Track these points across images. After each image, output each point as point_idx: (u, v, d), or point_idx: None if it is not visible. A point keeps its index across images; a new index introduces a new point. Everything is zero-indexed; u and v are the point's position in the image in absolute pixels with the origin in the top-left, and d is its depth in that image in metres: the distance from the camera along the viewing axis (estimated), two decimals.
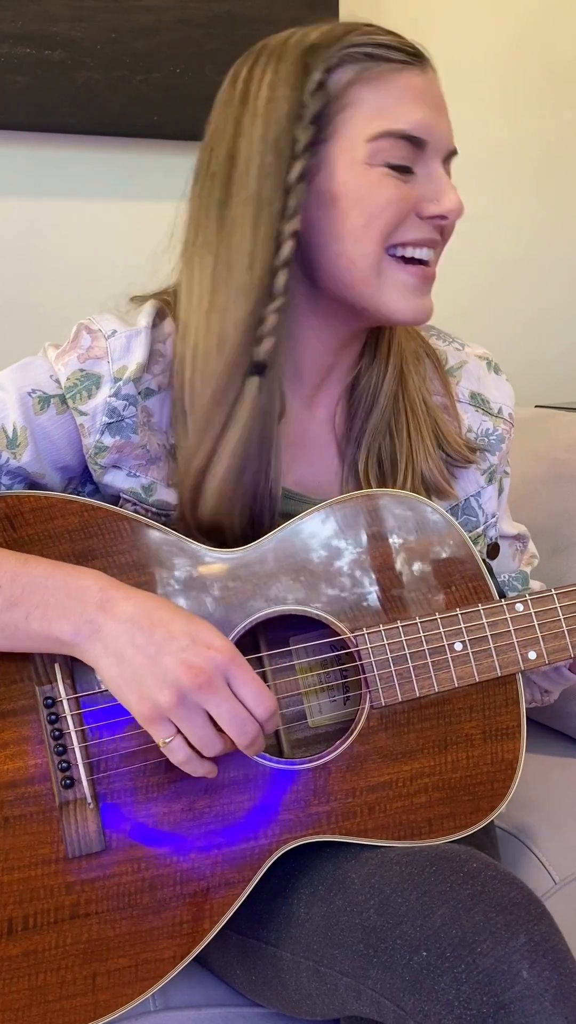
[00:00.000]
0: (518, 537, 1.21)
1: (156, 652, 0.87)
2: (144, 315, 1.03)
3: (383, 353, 1.08)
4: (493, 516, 1.14)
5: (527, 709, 1.03)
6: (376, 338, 1.09)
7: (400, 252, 0.98)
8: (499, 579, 1.19)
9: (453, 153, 1.01)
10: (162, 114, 1.59)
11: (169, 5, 1.56)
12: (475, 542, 1.11)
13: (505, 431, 1.15)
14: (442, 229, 1.01)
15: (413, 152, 0.96)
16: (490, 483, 1.14)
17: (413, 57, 0.97)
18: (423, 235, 0.98)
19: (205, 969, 1.10)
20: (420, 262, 0.99)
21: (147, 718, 0.87)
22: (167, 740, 0.87)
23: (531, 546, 1.23)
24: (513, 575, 1.20)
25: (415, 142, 0.96)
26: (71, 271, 1.61)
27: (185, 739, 0.88)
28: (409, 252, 0.98)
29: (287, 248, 0.95)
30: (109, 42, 1.54)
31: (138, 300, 1.06)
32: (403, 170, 0.96)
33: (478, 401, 1.14)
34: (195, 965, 1.09)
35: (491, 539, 1.15)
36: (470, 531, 1.11)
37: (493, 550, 1.15)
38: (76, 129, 1.56)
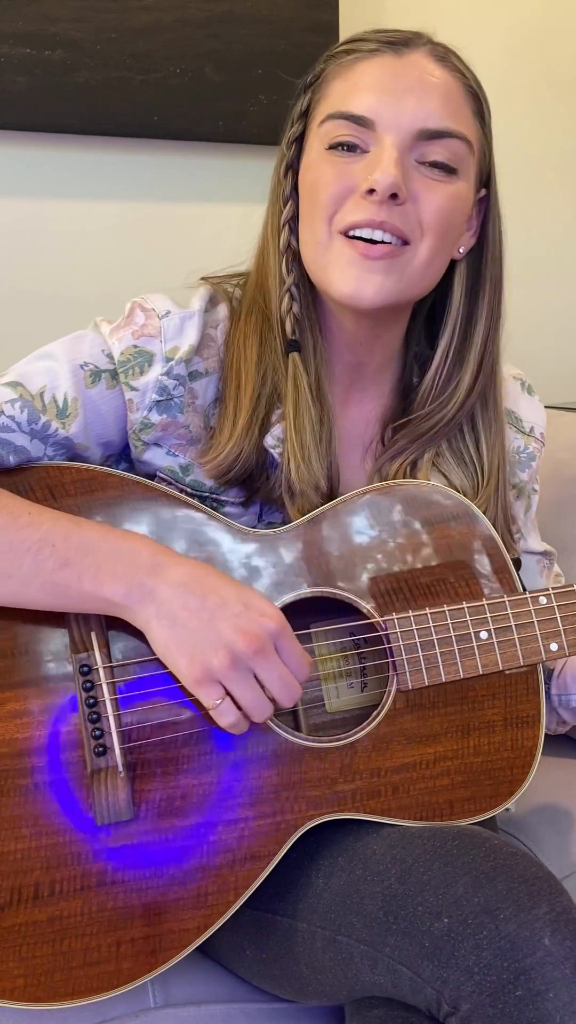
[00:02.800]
0: (545, 554, 1.24)
1: (210, 617, 0.89)
2: (198, 298, 1.05)
3: (455, 359, 1.08)
4: (519, 531, 1.17)
5: None
6: (450, 340, 1.08)
7: (352, 234, 0.99)
8: None
9: (437, 134, 0.98)
10: (162, 114, 1.59)
11: (169, 5, 1.56)
12: None
13: (536, 449, 1.18)
14: (408, 219, 0.98)
15: (359, 131, 0.99)
16: (518, 499, 1.17)
17: (388, 44, 1.00)
18: (367, 215, 0.97)
19: (207, 964, 1.10)
20: (373, 242, 0.98)
21: (198, 680, 0.89)
22: (217, 702, 0.89)
23: (556, 566, 1.26)
24: None
25: (359, 121, 0.98)
26: (71, 271, 1.62)
27: (233, 702, 0.90)
28: (357, 232, 0.98)
29: (284, 235, 1.04)
30: (109, 42, 1.54)
31: (216, 280, 1.10)
32: (344, 148, 0.99)
33: (512, 419, 1.17)
34: (198, 959, 1.10)
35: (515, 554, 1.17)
36: None
37: (515, 565, 1.18)
38: (76, 129, 1.56)
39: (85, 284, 1.62)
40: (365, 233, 0.98)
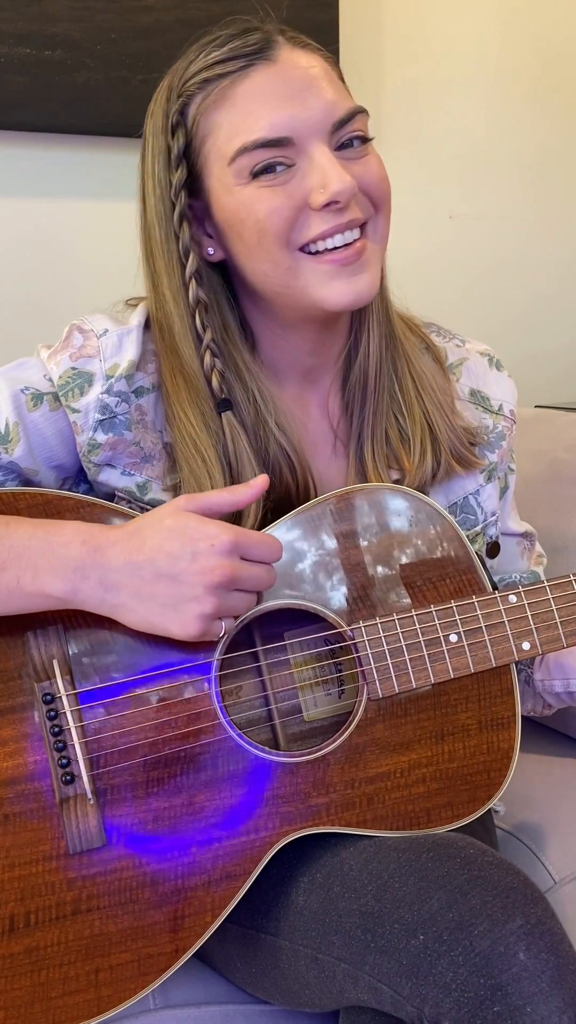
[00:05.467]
0: (525, 535, 1.21)
1: (171, 578, 0.89)
2: (136, 315, 1.04)
3: (366, 327, 1.07)
4: (493, 515, 1.15)
5: (526, 717, 1.04)
6: (357, 321, 1.08)
7: (313, 248, 0.97)
8: (510, 579, 1.20)
9: (347, 119, 0.97)
10: None
11: (169, 5, 1.57)
12: (473, 541, 1.11)
13: (506, 428, 1.15)
14: (360, 203, 0.98)
15: (280, 151, 0.95)
16: (489, 481, 1.14)
17: (252, 56, 0.96)
18: (325, 227, 0.96)
19: (205, 966, 1.10)
20: (338, 248, 0.98)
21: (200, 633, 0.90)
22: (222, 635, 0.91)
23: (538, 546, 1.24)
24: (524, 575, 1.20)
25: (278, 143, 0.95)
26: (71, 271, 1.62)
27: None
28: (321, 246, 0.97)
29: (192, 291, 0.99)
30: (109, 42, 1.54)
31: (135, 301, 1.08)
32: (271, 170, 0.95)
33: (478, 398, 1.14)
34: (195, 961, 1.10)
35: (491, 537, 1.15)
36: (468, 529, 1.12)
37: (493, 549, 1.16)
38: (76, 129, 1.56)
39: (84, 284, 1.61)
40: (336, 242, 0.97)
